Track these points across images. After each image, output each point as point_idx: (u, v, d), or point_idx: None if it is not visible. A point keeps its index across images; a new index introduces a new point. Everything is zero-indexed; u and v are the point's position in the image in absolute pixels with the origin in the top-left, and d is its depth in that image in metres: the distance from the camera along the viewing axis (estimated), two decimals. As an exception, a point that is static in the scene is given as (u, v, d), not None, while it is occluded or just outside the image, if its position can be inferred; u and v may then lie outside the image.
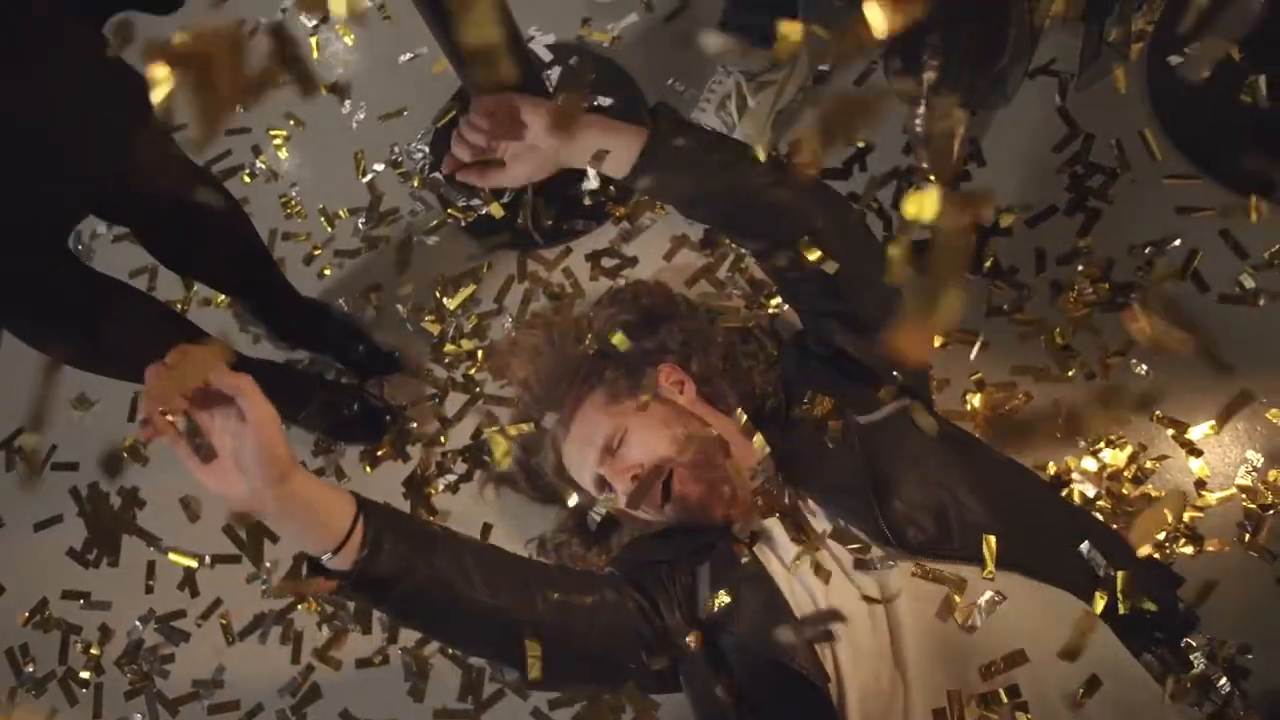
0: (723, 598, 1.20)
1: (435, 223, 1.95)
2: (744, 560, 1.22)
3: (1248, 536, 1.44)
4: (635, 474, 1.29)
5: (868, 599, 1.16)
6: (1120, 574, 1.20)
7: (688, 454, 1.29)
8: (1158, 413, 1.53)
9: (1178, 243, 1.63)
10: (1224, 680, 1.32)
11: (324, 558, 1.00)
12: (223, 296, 1.93)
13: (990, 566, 1.14)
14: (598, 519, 1.40)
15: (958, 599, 1.13)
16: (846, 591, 1.18)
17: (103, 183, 1.31)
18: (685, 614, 1.23)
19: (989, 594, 1.13)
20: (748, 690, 1.18)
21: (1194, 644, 1.23)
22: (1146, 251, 1.63)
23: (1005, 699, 1.07)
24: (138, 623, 1.78)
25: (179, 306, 1.93)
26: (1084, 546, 1.20)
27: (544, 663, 1.12)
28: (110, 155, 1.24)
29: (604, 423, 1.35)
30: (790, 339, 1.49)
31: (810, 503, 1.28)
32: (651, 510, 1.32)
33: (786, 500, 1.29)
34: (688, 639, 1.20)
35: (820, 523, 1.25)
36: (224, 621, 1.74)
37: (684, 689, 1.25)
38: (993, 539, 1.15)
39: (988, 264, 1.67)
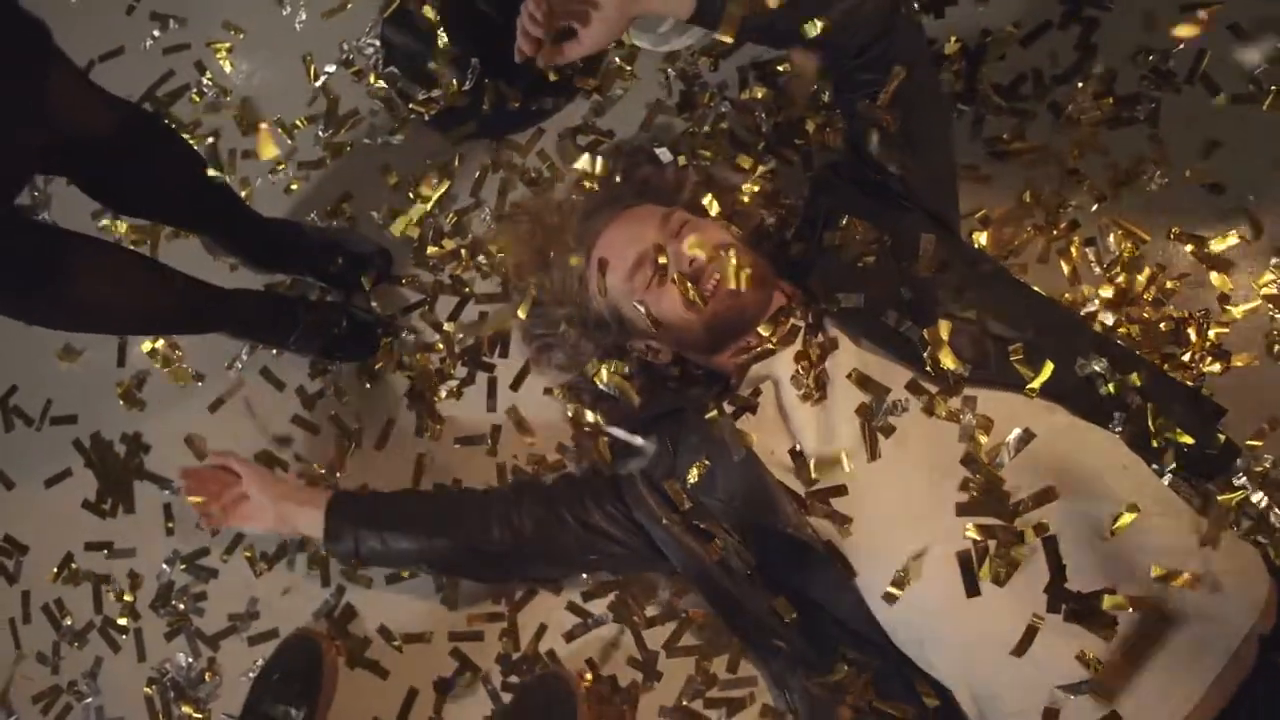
0: (700, 467, 1.27)
1: (398, 122, 1.85)
2: (729, 423, 1.25)
3: (1276, 347, 1.39)
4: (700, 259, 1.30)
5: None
6: (1150, 405, 1.16)
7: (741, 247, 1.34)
8: (1175, 229, 1.46)
9: (1181, 45, 1.52)
10: (1260, 495, 1.30)
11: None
12: (190, 228, 1.85)
13: (1036, 383, 1.15)
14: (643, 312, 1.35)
15: (984, 438, 1.10)
16: (850, 433, 1.19)
17: (26, 140, 1.21)
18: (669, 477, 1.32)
19: (1017, 430, 1.09)
20: (755, 545, 1.25)
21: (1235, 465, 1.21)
22: (1150, 58, 1.53)
23: (1034, 537, 1.03)
24: (164, 565, 1.77)
25: (147, 243, 1.85)
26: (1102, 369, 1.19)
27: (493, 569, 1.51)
28: (24, 107, 1.15)
29: (661, 210, 1.38)
30: (819, 170, 1.51)
31: (832, 331, 1.27)
32: (697, 294, 1.29)
33: (811, 319, 1.30)
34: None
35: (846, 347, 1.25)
36: (248, 555, 1.74)
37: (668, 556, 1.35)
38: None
39: (981, 89, 1.57)
